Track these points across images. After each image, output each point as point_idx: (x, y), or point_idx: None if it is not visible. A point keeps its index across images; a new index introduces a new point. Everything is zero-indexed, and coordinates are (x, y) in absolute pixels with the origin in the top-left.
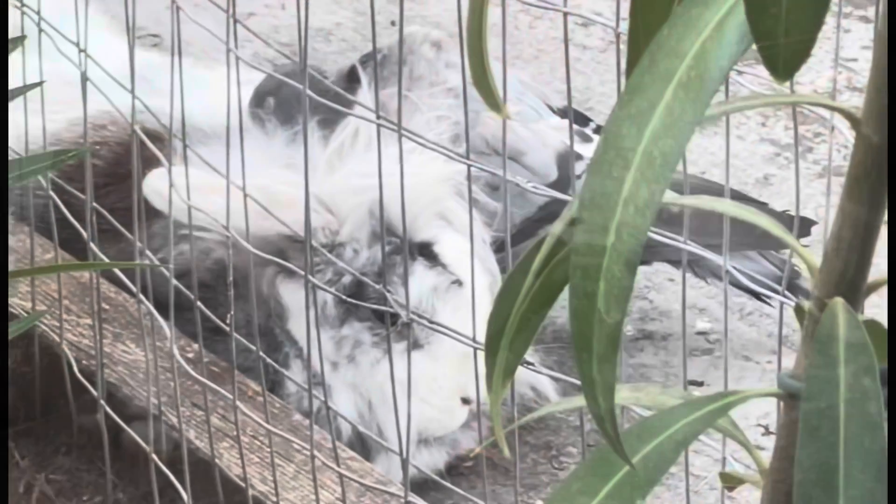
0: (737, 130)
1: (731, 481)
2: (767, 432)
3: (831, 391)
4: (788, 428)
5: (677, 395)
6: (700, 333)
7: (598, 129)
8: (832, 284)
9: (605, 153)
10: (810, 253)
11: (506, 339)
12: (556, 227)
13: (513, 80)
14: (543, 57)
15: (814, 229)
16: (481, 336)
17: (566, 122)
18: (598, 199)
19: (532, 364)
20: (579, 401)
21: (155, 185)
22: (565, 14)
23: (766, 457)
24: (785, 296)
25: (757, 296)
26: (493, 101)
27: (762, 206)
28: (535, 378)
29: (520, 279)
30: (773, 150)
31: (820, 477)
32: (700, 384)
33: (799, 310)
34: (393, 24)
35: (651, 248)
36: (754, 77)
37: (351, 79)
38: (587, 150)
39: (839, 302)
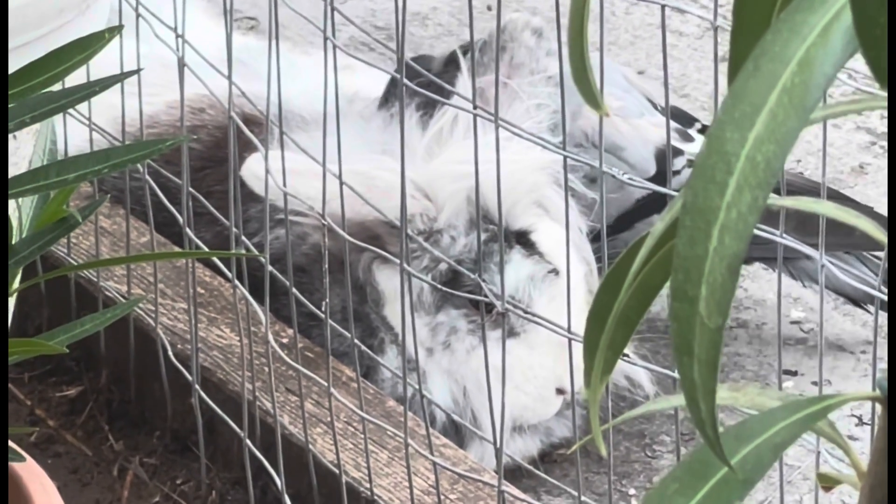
0: (832, 119)
1: (828, 482)
2: (861, 423)
3: None
4: (886, 430)
5: (775, 395)
6: (794, 323)
7: (702, 130)
8: None
9: (708, 157)
10: None
11: (605, 338)
12: (657, 228)
13: (618, 77)
14: (639, 43)
15: None
16: (576, 327)
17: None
18: (700, 202)
19: (627, 356)
20: (678, 399)
21: (255, 169)
22: (663, 6)
23: (860, 448)
24: (881, 291)
25: (855, 302)
26: (593, 98)
27: (854, 204)
28: (630, 367)
29: (619, 278)
30: (869, 139)
31: None
32: (794, 374)
33: None
34: (489, 8)
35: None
36: (846, 69)
37: (450, 64)
38: (688, 148)
39: None
